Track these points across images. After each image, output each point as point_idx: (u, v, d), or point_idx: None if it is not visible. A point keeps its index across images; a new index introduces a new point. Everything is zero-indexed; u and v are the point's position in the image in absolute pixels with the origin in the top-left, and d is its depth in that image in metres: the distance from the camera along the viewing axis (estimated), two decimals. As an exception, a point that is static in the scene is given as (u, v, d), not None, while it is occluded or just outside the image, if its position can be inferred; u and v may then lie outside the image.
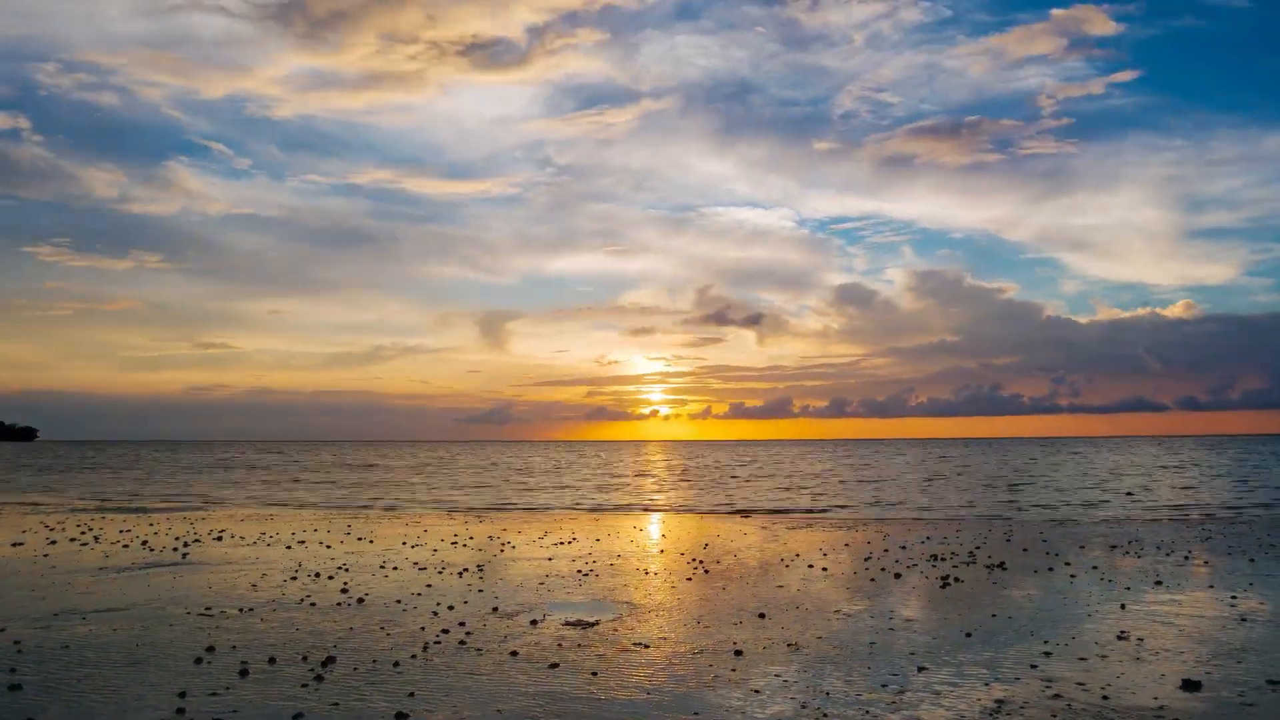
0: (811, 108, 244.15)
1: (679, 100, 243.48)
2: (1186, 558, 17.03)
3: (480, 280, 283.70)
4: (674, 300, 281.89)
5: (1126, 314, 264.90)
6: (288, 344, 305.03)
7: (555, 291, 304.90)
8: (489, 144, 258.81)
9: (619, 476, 58.19)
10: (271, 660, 9.12)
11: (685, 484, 48.62)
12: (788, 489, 42.65)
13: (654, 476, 57.98)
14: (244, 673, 8.64)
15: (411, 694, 7.91)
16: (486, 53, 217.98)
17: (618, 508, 33.01)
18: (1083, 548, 18.74)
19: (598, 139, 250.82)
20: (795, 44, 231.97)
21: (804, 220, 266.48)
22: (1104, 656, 9.23)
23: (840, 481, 48.47)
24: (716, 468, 72.35)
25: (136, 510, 31.22)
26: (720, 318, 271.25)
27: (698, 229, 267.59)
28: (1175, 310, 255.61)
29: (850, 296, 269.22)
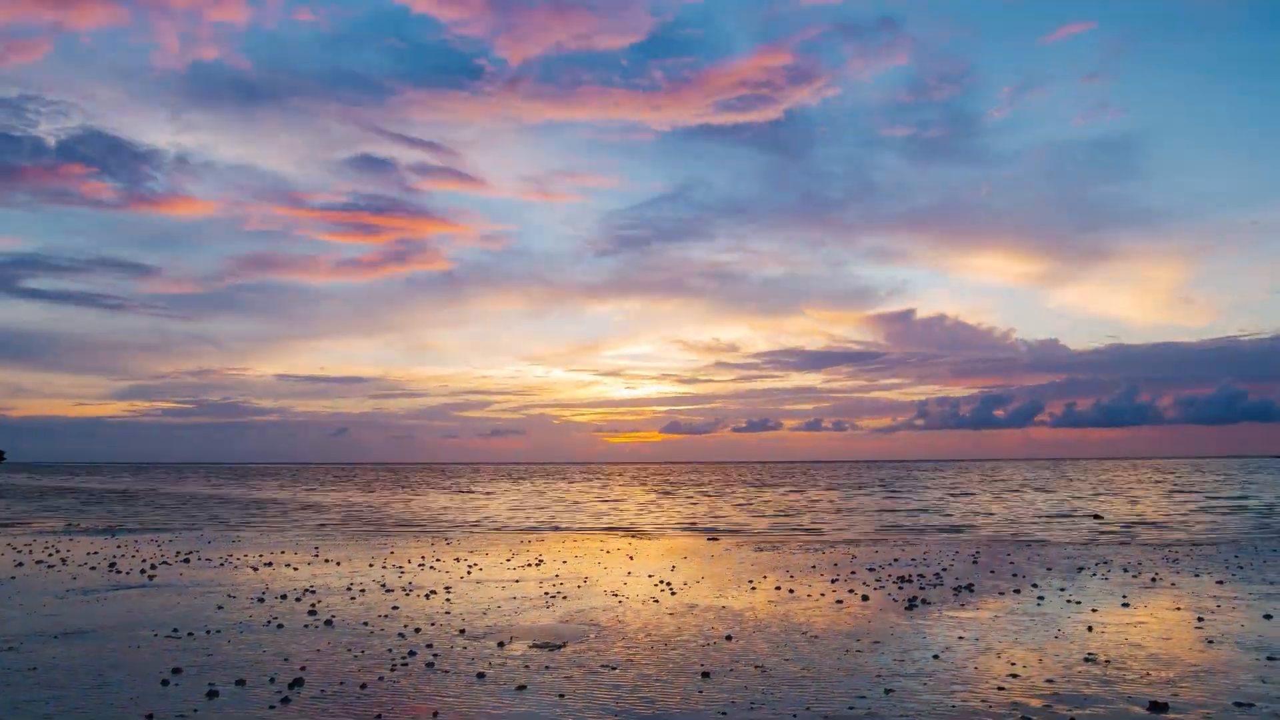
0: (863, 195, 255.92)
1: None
2: (1154, 580, 17.17)
3: (530, 311, 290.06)
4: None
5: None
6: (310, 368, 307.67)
7: (598, 325, 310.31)
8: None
9: (598, 496, 58.12)
10: (239, 682, 9.08)
11: (656, 504, 48.59)
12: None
13: (640, 496, 57.91)
14: (212, 694, 8.60)
15: (379, 716, 7.90)
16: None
17: (589, 529, 32.93)
18: (1050, 569, 18.86)
19: (673, 208, 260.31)
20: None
21: (842, 271, 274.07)
22: (1071, 679, 9.31)
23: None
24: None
25: (104, 532, 30.94)
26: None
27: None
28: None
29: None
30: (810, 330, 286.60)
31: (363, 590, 15.92)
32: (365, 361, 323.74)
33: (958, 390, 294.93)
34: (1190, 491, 57.91)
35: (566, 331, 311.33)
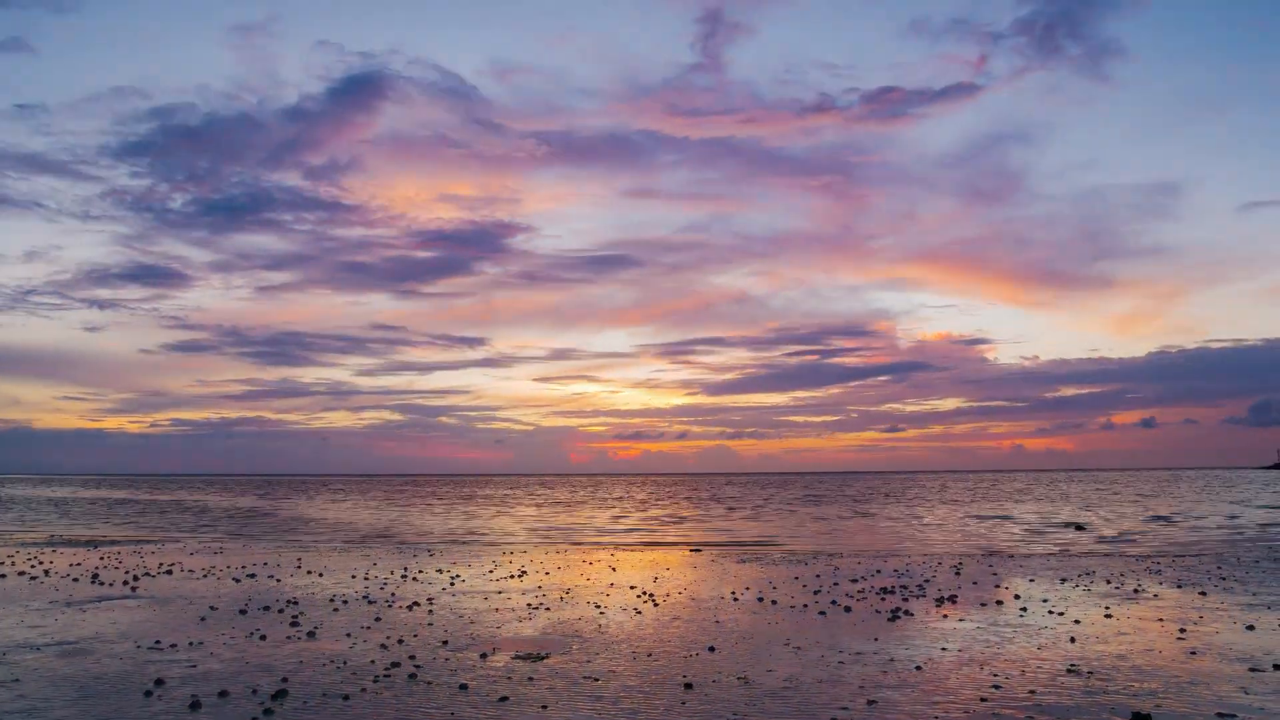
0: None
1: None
2: (1137, 591, 17.24)
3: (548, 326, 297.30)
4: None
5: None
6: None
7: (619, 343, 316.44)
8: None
9: (586, 505, 58.04)
10: (222, 693, 9.04)
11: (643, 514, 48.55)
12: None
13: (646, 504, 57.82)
14: (194, 705, 8.56)
15: (361, 727, 7.88)
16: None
17: (569, 541, 32.89)
18: (1033, 580, 18.92)
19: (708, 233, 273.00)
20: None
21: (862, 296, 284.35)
22: (1054, 690, 9.34)
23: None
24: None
25: (87, 543, 30.78)
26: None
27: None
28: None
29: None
30: (818, 347, 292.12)
31: (345, 602, 15.87)
32: (386, 372, 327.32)
33: (961, 404, 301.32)
34: (1180, 501, 58.11)
35: (586, 344, 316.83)
